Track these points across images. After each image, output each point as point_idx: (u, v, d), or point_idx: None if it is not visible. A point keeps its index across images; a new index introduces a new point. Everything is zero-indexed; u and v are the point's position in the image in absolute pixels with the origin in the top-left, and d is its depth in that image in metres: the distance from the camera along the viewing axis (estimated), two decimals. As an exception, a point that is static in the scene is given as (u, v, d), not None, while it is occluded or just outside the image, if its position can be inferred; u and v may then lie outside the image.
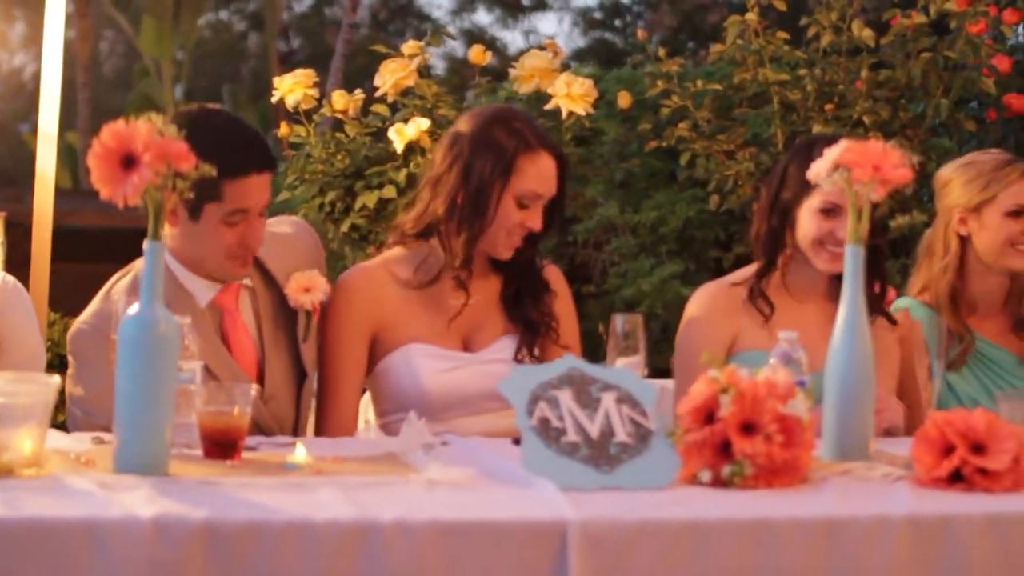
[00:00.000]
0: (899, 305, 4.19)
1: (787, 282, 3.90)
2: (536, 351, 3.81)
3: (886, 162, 2.98)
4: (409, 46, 5.41)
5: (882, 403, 3.54)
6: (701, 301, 3.93)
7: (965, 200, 4.17)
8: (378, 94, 5.35)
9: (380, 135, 5.44)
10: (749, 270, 3.96)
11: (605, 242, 6.28)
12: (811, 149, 3.62)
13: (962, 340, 4.14)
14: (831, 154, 3.01)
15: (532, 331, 3.84)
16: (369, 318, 3.78)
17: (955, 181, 4.21)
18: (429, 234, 3.81)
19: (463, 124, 3.83)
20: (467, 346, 3.83)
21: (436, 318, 3.81)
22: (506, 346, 3.83)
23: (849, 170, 2.98)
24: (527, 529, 2.38)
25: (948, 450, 2.72)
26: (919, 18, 5.84)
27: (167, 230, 3.53)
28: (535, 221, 3.76)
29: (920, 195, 5.96)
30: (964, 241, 4.17)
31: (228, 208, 3.46)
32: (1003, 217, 4.14)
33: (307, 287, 3.69)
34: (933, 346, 3.55)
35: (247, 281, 3.66)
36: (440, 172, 3.78)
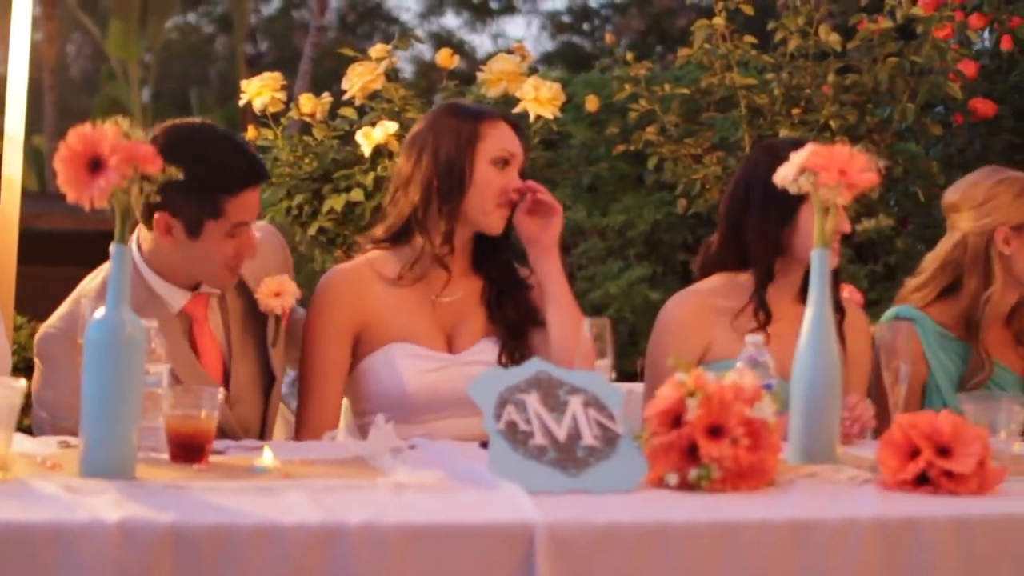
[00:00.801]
0: (900, 313, 4.15)
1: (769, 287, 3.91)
2: (517, 354, 3.81)
3: (852, 166, 2.98)
4: (376, 49, 5.40)
5: (860, 410, 3.54)
6: (674, 309, 3.93)
7: (1011, 217, 4.09)
8: (345, 97, 5.33)
9: (348, 138, 5.43)
10: (719, 280, 3.96)
11: (573, 245, 6.30)
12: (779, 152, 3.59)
13: (982, 369, 4.11)
14: (797, 158, 3.02)
15: (514, 334, 3.85)
16: (352, 319, 3.78)
17: (1000, 197, 4.10)
18: (408, 232, 3.82)
19: (417, 125, 3.92)
20: (450, 346, 3.84)
21: (420, 317, 3.81)
22: (487, 348, 3.83)
23: (815, 174, 2.99)
24: (494, 532, 2.38)
25: (914, 453, 2.73)
26: (885, 23, 5.86)
27: (148, 240, 3.54)
28: (515, 182, 3.80)
29: (886, 199, 5.99)
30: (1002, 260, 4.10)
31: (231, 222, 3.49)
32: None
33: (277, 291, 3.70)
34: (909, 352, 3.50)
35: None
36: (408, 172, 3.82)
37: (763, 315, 3.86)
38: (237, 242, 3.53)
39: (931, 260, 4.24)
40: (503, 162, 3.79)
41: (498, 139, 3.80)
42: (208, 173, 3.42)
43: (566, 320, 3.77)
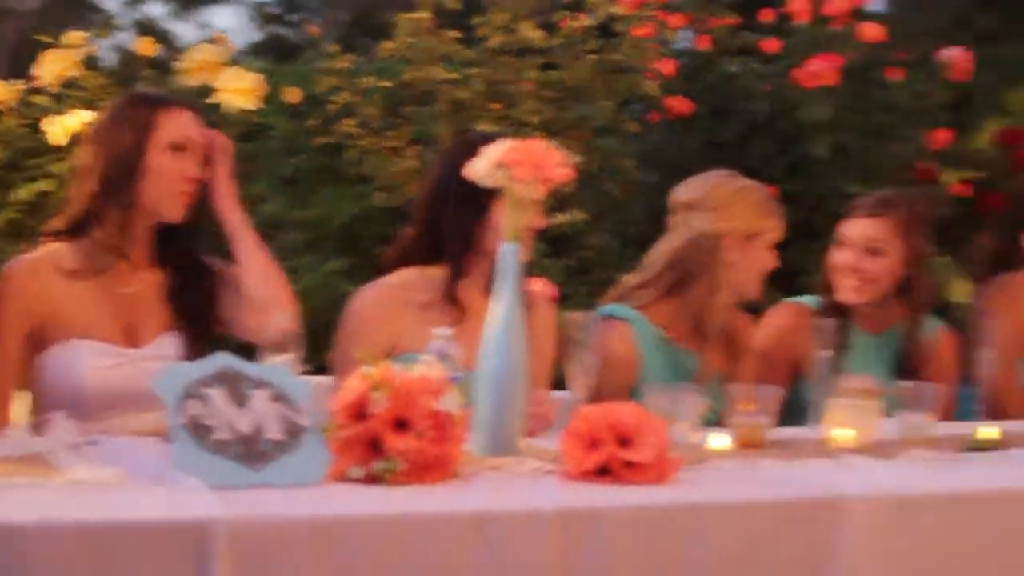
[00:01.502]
0: (615, 312, 4.18)
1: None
2: (200, 347, 3.76)
3: (547, 161, 3.01)
4: (72, 36, 5.28)
5: (545, 406, 3.58)
6: (362, 301, 3.93)
7: (745, 226, 4.15)
8: (39, 84, 5.21)
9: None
10: (408, 273, 3.96)
11: (270, 238, 6.23)
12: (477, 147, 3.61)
13: (709, 375, 4.14)
14: (493, 152, 3.03)
15: (197, 327, 3.80)
16: (30, 311, 3.68)
17: (739, 204, 4.16)
18: (87, 223, 3.75)
19: (99, 115, 3.88)
20: (131, 341, 3.76)
21: (100, 311, 3.73)
22: (169, 343, 3.77)
23: (510, 169, 3.01)
24: (174, 528, 2.34)
25: (596, 444, 2.77)
26: (586, 20, 5.94)
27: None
28: (193, 169, 3.78)
29: (581, 195, 6.07)
30: (727, 266, 4.15)
31: None
32: (766, 250, 4.18)
33: None
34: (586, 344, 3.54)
35: None
36: (85, 162, 3.75)
37: (455, 311, 3.87)
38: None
39: (656, 256, 4.26)
40: (180, 148, 3.74)
41: (175, 126, 3.76)
42: None
43: (253, 263, 3.85)
